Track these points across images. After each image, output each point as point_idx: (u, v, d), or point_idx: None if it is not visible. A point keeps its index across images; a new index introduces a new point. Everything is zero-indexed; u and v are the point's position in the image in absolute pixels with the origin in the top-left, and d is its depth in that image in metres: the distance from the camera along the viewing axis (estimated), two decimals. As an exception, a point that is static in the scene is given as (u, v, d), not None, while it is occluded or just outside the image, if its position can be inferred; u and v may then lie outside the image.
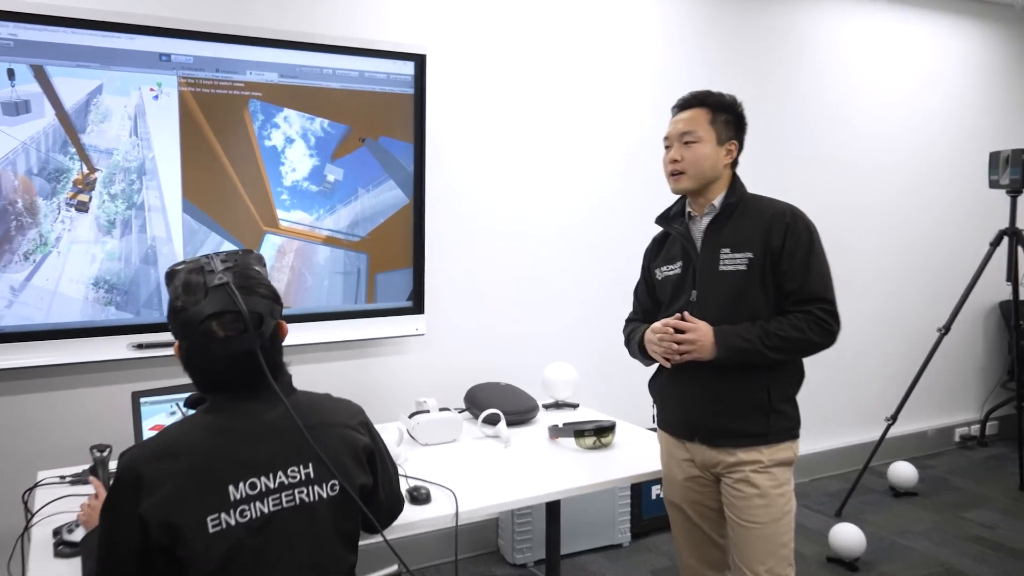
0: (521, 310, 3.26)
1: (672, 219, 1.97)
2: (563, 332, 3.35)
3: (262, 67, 2.56)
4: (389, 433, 1.99)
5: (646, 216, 2.16)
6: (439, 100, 2.97)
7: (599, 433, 2.28)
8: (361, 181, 2.76)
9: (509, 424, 2.42)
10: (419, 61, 2.81)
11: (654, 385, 2.01)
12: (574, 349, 3.31)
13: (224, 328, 1.25)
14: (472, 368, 3.07)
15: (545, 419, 2.60)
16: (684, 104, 1.89)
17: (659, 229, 2.04)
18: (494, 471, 2.11)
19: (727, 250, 1.82)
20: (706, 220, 1.88)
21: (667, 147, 1.91)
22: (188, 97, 2.47)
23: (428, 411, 2.40)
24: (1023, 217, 3.73)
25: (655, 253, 2.03)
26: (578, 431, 2.29)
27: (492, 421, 2.41)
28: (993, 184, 3.80)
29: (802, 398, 1.87)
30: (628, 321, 2.11)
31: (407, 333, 2.93)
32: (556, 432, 2.36)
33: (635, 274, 2.12)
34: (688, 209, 1.93)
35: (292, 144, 2.64)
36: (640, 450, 2.27)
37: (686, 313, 1.80)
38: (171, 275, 1.31)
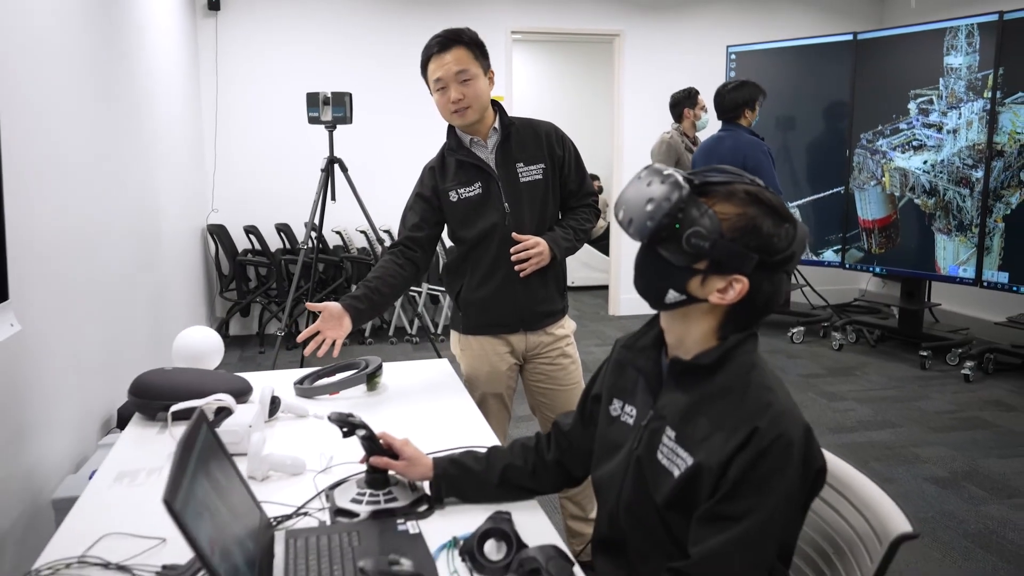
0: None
1: (457, 151, 2.16)
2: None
3: None
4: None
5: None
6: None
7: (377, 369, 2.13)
8: None
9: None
10: None
11: (471, 296, 2.20)
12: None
13: None
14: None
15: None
16: (445, 44, 2.06)
17: None
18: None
19: (521, 164, 2.16)
20: (492, 142, 2.16)
21: (441, 88, 2.08)
22: None
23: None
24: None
25: (441, 177, 2.16)
26: (371, 374, 2.09)
27: (185, 416, 1.75)
28: (313, 120, 4.50)
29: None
30: (395, 246, 2.18)
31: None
32: (316, 390, 2.05)
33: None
34: (471, 137, 2.15)
35: None
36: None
37: (514, 234, 2.12)
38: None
